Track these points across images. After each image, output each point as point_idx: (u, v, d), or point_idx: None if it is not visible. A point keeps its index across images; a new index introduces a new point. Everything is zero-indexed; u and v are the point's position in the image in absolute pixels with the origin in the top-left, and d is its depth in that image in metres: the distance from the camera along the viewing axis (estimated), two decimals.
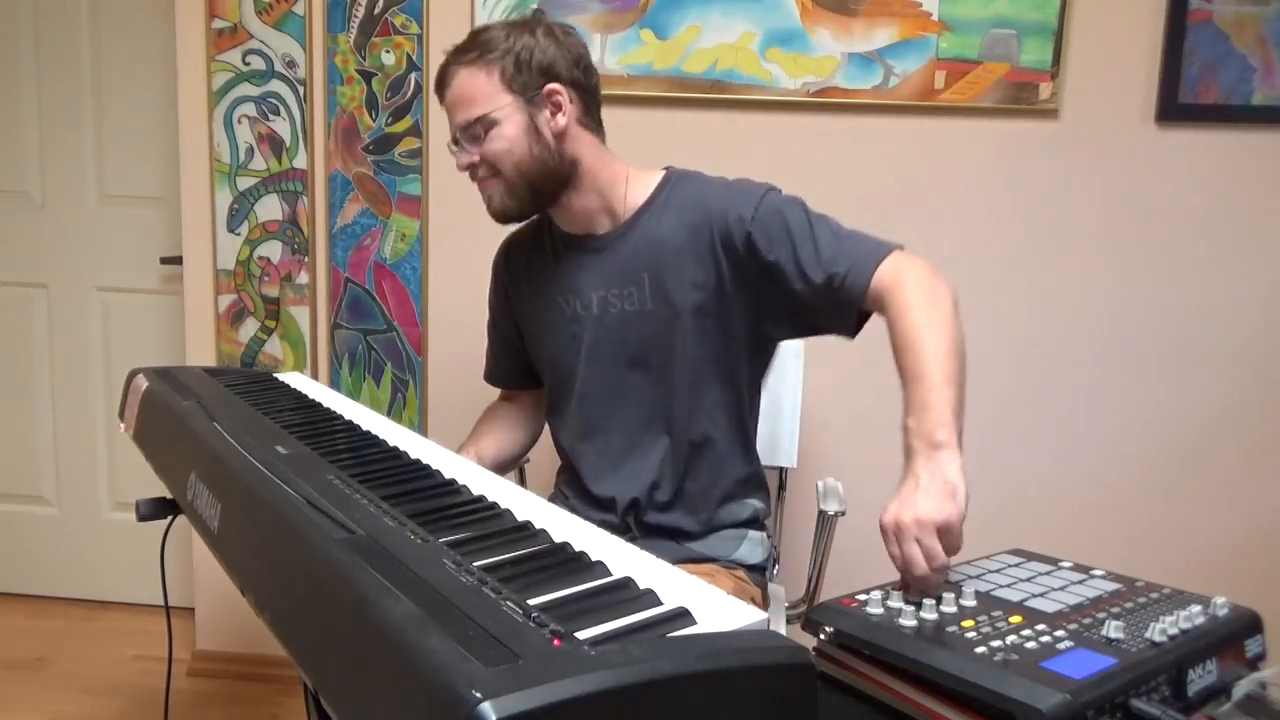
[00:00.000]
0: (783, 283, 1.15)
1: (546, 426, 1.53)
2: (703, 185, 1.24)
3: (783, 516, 1.69)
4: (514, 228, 1.39)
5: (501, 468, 1.44)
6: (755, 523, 1.31)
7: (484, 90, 1.16)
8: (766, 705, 0.56)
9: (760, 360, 1.29)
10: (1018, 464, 1.90)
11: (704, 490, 1.26)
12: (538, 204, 1.23)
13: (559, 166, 1.19)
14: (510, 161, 1.18)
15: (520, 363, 1.44)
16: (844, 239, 1.14)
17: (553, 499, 1.39)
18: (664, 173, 1.28)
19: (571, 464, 1.34)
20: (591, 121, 1.23)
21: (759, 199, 1.18)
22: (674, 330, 1.21)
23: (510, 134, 1.17)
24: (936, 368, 0.97)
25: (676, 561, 1.04)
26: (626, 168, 1.27)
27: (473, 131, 1.18)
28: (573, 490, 1.34)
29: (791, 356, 1.65)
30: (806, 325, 1.21)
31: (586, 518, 1.28)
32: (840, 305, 1.13)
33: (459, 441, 1.41)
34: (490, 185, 1.21)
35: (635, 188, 1.25)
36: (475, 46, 1.18)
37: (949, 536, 0.86)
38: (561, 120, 1.18)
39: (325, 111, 1.96)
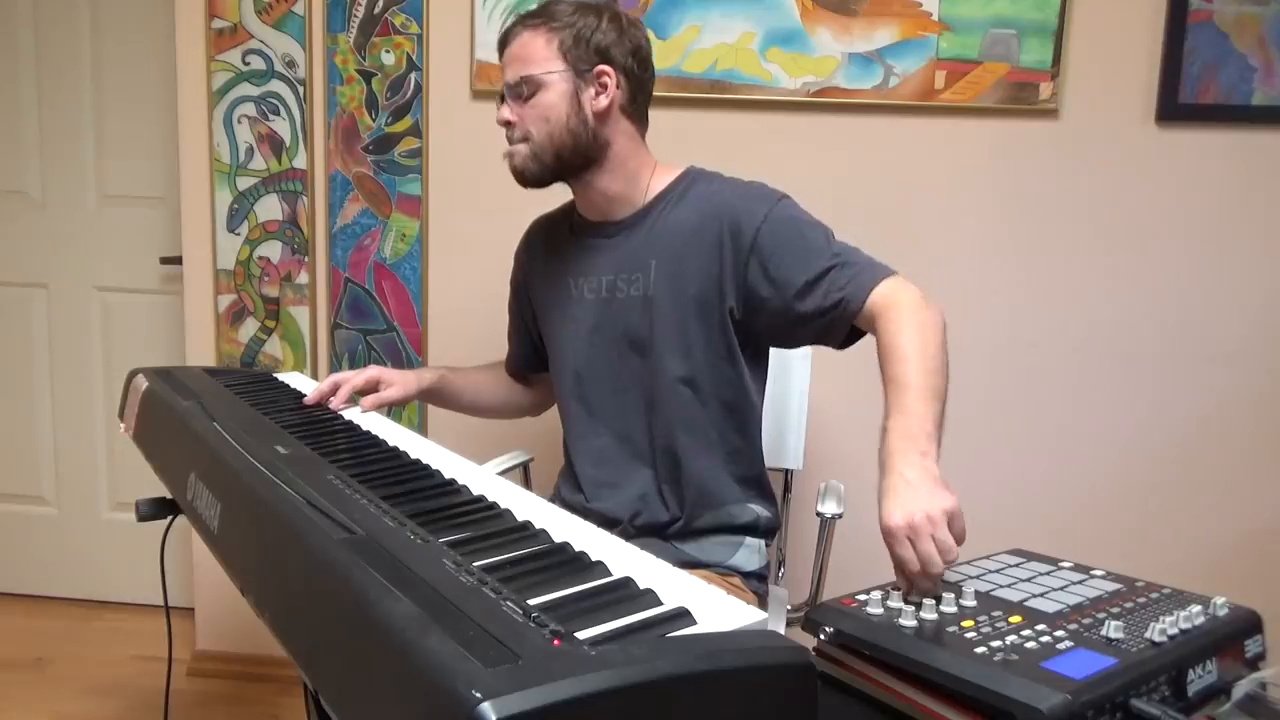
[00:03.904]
0: (782, 291, 1.18)
1: (527, 416, 1.58)
2: (721, 183, 1.28)
3: (789, 519, 1.69)
4: (524, 225, 1.40)
5: (467, 403, 1.50)
6: (755, 530, 1.30)
7: (540, 54, 1.20)
8: (767, 705, 0.56)
9: (756, 362, 1.29)
10: (1017, 464, 1.90)
11: (700, 484, 1.26)
12: (558, 174, 1.26)
13: (590, 144, 1.23)
14: (545, 127, 1.21)
15: (532, 345, 1.48)
16: (846, 256, 1.18)
17: (553, 499, 1.39)
18: (685, 168, 1.31)
19: (570, 457, 1.35)
20: (636, 112, 1.27)
21: (773, 204, 1.21)
22: (672, 317, 1.23)
23: (551, 100, 1.20)
24: (923, 381, 1.02)
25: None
26: (655, 161, 1.30)
27: (519, 90, 1.22)
28: (570, 483, 1.35)
29: (799, 359, 1.64)
30: (798, 335, 1.23)
31: (578, 501, 1.30)
32: (834, 321, 1.17)
33: (459, 442, 1.41)
34: (518, 146, 1.24)
35: (657, 179, 1.29)
36: (542, 14, 1.22)
37: (957, 523, 0.88)
38: (604, 101, 1.21)
39: (325, 111, 1.96)
